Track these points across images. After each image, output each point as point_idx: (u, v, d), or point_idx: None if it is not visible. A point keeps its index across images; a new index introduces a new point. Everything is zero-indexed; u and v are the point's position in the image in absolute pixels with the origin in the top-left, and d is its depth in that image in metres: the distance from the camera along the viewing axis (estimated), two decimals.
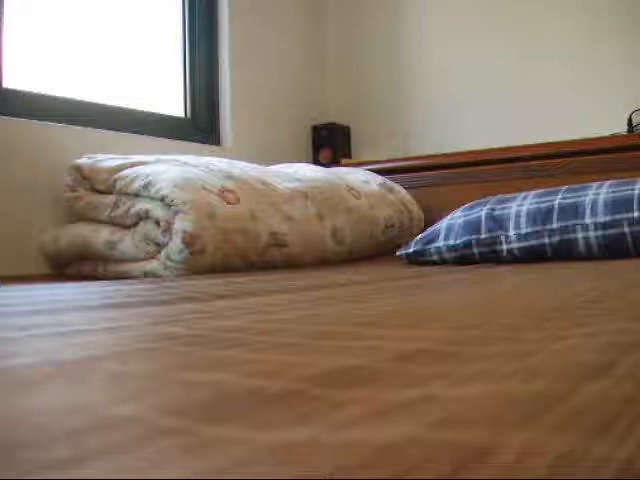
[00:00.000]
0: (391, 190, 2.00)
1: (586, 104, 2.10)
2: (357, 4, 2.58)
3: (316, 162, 2.35)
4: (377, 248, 1.88)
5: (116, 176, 1.49)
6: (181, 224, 1.35)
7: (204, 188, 1.44)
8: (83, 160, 1.56)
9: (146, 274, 1.40)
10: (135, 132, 1.89)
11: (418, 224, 2.02)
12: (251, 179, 1.60)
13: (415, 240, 1.57)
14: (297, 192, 1.67)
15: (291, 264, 1.57)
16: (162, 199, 1.39)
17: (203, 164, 1.59)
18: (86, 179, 1.54)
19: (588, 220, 1.33)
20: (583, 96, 2.11)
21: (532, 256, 1.40)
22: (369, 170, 2.15)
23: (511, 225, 1.42)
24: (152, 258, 1.41)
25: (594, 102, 2.09)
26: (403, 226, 1.95)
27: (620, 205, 1.32)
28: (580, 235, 1.34)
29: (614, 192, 1.35)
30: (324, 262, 1.68)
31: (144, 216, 1.43)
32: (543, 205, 1.41)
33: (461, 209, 1.57)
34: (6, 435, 0.24)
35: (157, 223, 1.40)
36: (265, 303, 0.74)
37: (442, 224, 1.56)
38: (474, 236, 1.45)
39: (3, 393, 0.32)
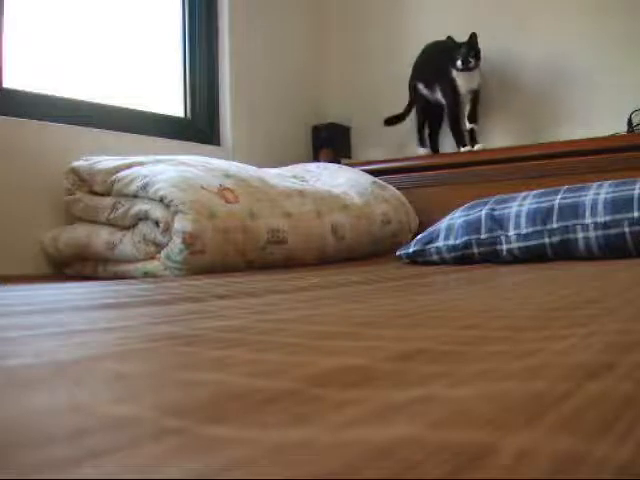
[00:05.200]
0: (384, 188, 2.01)
1: (586, 104, 2.10)
2: (358, 4, 2.58)
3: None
4: (376, 245, 1.88)
5: (113, 178, 1.49)
6: (181, 224, 1.35)
7: (203, 188, 1.44)
8: (80, 162, 1.56)
9: (146, 274, 1.40)
10: (135, 132, 1.89)
11: (414, 220, 2.03)
12: (249, 177, 1.60)
13: (415, 240, 1.57)
14: (294, 190, 1.67)
15: (291, 261, 1.57)
16: (161, 199, 1.39)
17: (200, 163, 1.59)
18: (84, 181, 1.54)
19: (588, 220, 1.33)
20: (583, 96, 2.11)
21: (532, 256, 1.40)
22: (369, 170, 2.15)
23: (511, 225, 1.42)
24: (152, 258, 1.41)
25: (594, 102, 2.09)
26: (401, 222, 1.96)
27: (620, 205, 1.32)
28: (580, 235, 1.34)
29: (614, 192, 1.35)
30: (324, 260, 1.68)
31: (143, 217, 1.43)
32: (543, 205, 1.41)
33: (461, 209, 1.57)
34: (6, 435, 0.24)
35: (156, 224, 1.40)
36: (265, 303, 0.74)
37: (442, 224, 1.56)
38: (474, 236, 1.45)
39: (3, 393, 0.32)
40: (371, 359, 0.38)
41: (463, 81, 2.10)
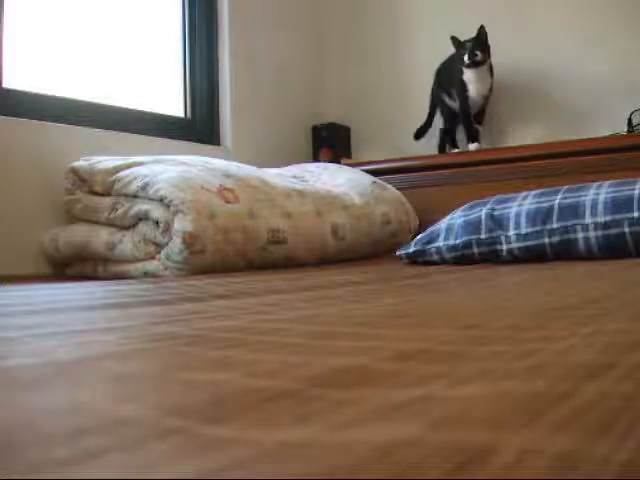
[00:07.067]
0: (384, 188, 2.01)
1: (586, 104, 2.10)
2: (358, 4, 2.58)
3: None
4: (376, 245, 1.88)
5: (114, 177, 1.49)
6: (181, 224, 1.35)
7: (203, 187, 1.44)
8: (80, 162, 1.56)
9: (146, 274, 1.40)
10: (135, 132, 1.89)
11: (414, 220, 2.03)
12: (249, 177, 1.60)
13: (415, 240, 1.57)
14: (294, 190, 1.67)
15: (291, 261, 1.57)
16: (161, 199, 1.39)
17: (200, 163, 1.59)
18: (84, 181, 1.54)
19: (588, 220, 1.33)
20: (583, 95, 2.11)
21: (532, 256, 1.40)
22: (369, 170, 2.15)
23: (511, 225, 1.42)
24: (152, 258, 1.41)
25: (594, 102, 2.09)
26: (401, 222, 1.96)
27: (620, 205, 1.32)
28: (580, 235, 1.34)
29: (614, 192, 1.35)
30: (324, 260, 1.68)
31: (143, 217, 1.43)
32: (543, 205, 1.41)
33: (461, 209, 1.57)
34: (6, 435, 0.24)
35: (156, 224, 1.40)
36: (265, 303, 0.74)
37: (442, 224, 1.56)
38: (474, 236, 1.45)
39: (3, 393, 0.32)
40: (371, 359, 0.38)
41: (474, 81, 2.05)
